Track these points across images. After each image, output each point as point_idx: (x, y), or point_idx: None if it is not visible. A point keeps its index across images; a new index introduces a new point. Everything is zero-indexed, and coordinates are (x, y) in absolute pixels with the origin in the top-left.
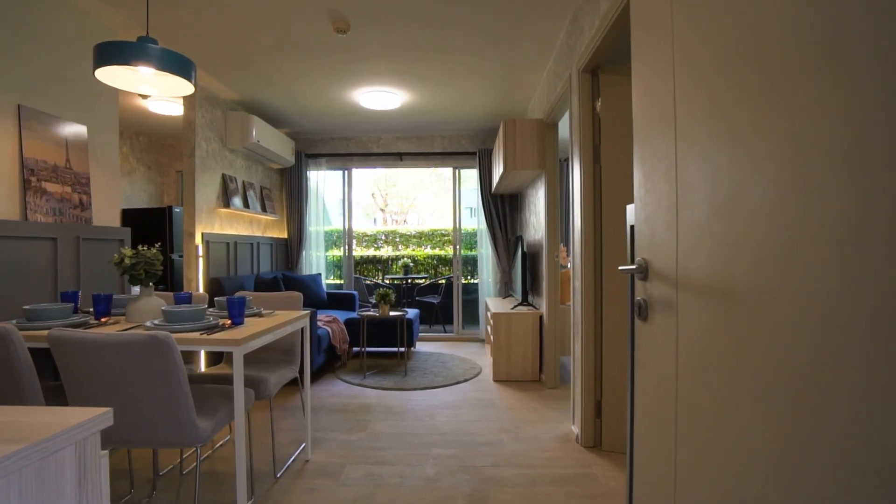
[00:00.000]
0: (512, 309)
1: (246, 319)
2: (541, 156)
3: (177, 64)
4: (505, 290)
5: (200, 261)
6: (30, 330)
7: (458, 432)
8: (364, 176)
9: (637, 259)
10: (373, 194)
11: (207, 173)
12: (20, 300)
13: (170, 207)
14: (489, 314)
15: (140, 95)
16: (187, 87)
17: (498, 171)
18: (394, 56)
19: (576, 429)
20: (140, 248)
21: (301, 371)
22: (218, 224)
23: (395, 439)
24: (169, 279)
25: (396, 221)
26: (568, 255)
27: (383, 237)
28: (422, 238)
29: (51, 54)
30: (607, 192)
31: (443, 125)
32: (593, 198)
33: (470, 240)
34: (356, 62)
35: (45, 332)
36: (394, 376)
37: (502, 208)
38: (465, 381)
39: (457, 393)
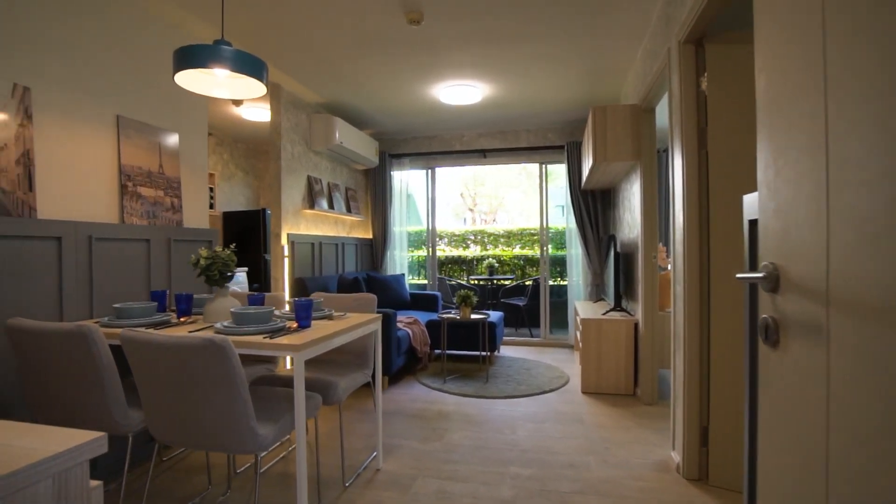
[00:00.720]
0: (603, 314)
1: (314, 322)
2: (635, 145)
3: (248, 64)
4: (596, 293)
5: (286, 261)
6: (116, 327)
7: (540, 449)
8: (452, 176)
9: (762, 264)
10: (461, 194)
11: (293, 175)
12: (117, 298)
13: (264, 210)
14: (578, 319)
15: (233, 103)
16: (259, 88)
17: (587, 164)
18: (471, 46)
19: (676, 456)
20: (217, 249)
21: (373, 377)
22: (304, 225)
23: (472, 452)
24: (263, 279)
25: (486, 221)
26: (668, 256)
27: (472, 237)
28: (510, 238)
29: (145, 67)
30: (716, 182)
31: (527, 118)
32: (698, 189)
33: (559, 239)
34: (433, 55)
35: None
36: (475, 382)
37: (593, 205)
38: (551, 391)
39: (541, 404)
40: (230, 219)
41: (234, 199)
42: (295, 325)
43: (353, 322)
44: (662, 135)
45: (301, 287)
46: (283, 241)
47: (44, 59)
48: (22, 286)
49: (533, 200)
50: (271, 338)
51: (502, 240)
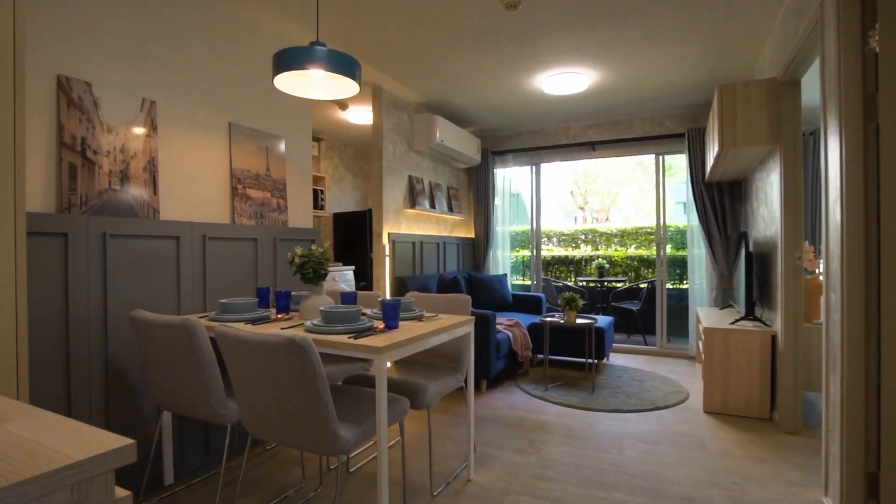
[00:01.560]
0: (732, 324)
1: (403, 323)
2: (773, 126)
3: (341, 63)
4: (722, 298)
5: (387, 260)
6: (220, 322)
7: (651, 476)
8: (561, 173)
9: None
10: (571, 192)
11: (394, 175)
12: (227, 293)
13: (370, 210)
14: (701, 328)
15: (339, 107)
16: (353, 87)
17: (712, 152)
18: (574, 27)
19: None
20: (312, 247)
21: (466, 382)
22: (405, 224)
23: (571, 471)
24: (369, 277)
25: (597, 220)
26: (816, 258)
27: (582, 236)
28: (624, 237)
29: (253, 75)
30: (891, 162)
31: (641, 105)
32: (864, 171)
33: (679, 238)
34: (533, 41)
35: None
36: (579, 392)
37: (719, 199)
38: (666, 407)
39: (654, 421)
40: (339, 219)
41: (344, 200)
42: (382, 325)
43: (443, 324)
44: (808, 115)
45: (401, 286)
46: (385, 240)
47: (167, 74)
48: (148, 281)
49: (650, 197)
50: (355, 338)
51: (616, 239)
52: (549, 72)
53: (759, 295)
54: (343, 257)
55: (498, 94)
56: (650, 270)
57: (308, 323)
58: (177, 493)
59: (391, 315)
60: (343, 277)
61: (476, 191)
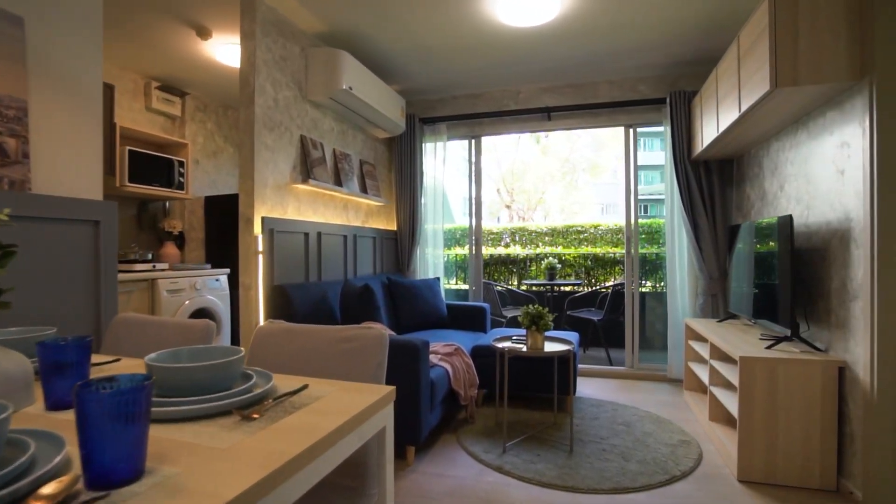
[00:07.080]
0: (769, 348)
1: (202, 428)
2: (851, 54)
3: None
4: (712, 306)
5: (260, 259)
6: None
7: None
8: (487, 170)
9: None
10: (498, 190)
11: (277, 132)
12: None
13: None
14: (707, 347)
15: (196, 33)
16: None
17: (705, 122)
18: None
19: None
20: None
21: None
22: (293, 207)
23: None
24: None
25: (523, 219)
26: None
27: (509, 235)
28: (555, 235)
29: None
30: None
31: (612, 61)
32: None
33: (613, 237)
34: None
35: None
36: (552, 453)
37: (707, 182)
38: (682, 477)
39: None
40: (212, 205)
41: (221, 180)
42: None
43: (315, 436)
44: None
45: (282, 300)
46: (257, 228)
47: None
48: None
49: (575, 197)
50: None
51: (545, 238)
52: None
53: (807, 308)
54: (215, 256)
55: (435, 28)
56: (604, 272)
57: None
58: None
59: (92, 438)
60: (212, 285)
61: (399, 168)
